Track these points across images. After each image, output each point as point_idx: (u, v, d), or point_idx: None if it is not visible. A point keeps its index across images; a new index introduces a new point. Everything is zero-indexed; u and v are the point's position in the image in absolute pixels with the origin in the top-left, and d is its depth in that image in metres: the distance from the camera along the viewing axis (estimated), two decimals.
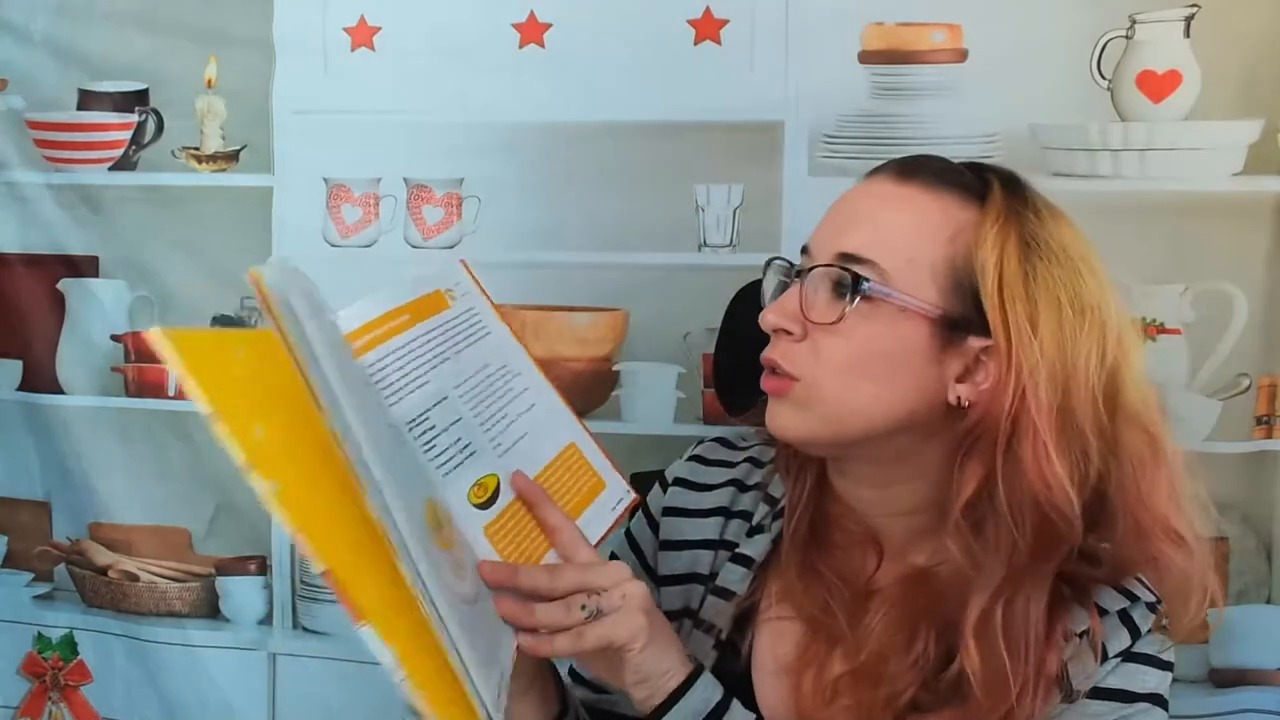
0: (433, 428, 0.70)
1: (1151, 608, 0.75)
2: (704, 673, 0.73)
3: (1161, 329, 1.21)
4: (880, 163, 0.81)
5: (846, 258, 0.74)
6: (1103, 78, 1.20)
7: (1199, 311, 1.20)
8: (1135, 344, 0.76)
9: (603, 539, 0.78)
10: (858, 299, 0.73)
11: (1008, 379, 0.70)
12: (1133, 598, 0.75)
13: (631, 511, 0.86)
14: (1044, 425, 0.70)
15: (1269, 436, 1.22)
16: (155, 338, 0.52)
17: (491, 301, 0.82)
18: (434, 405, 0.71)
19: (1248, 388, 1.20)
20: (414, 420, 0.69)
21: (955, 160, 0.80)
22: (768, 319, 0.77)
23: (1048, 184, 1.19)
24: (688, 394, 1.31)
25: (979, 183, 0.76)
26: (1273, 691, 1.22)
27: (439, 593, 0.57)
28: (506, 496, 0.72)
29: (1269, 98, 1.17)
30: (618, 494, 0.82)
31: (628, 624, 0.68)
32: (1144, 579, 0.76)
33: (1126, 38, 1.19)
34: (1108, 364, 0.73)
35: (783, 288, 0.80)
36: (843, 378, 0.74)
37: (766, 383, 0.78)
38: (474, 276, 0.82)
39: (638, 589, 0.69)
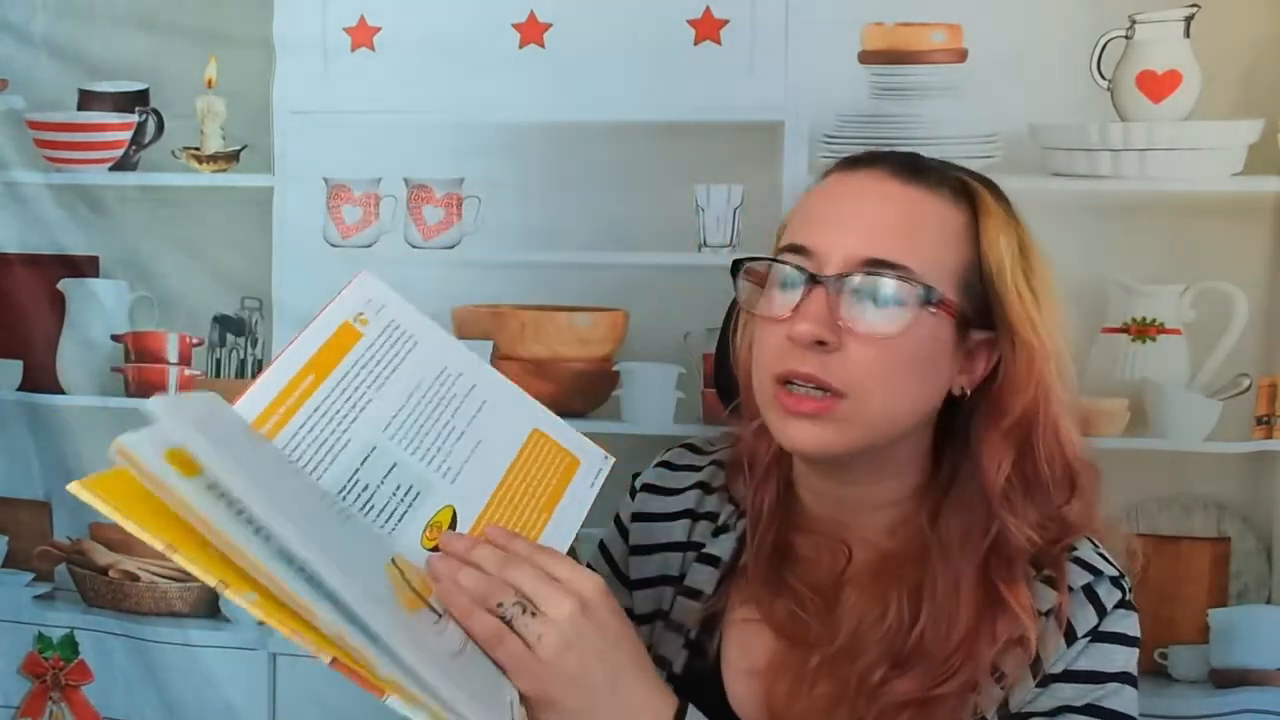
0: (366, 487, 0.66)
1: (1116, 583, 0.77)
2: None
3: (1161, 329, 1.21)
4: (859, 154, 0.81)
5: (881, 264, 0.73)
6: (1103, 78, 1.20)
7: (1199, 311, 1.20)
8: None
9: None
10: (917, 307, 0.72)
11: (1043, 365, 0.76)
12: (1096, 572, 0.76)
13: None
14: (1064, 397, 0.77)
15: (1269, 436, 1.21)
16: (77, 491, 0.53)
17: (405, 303, 0.74)
18: (363, 462, 0.66)
19: (1248, 388, 1.20)
20: (344, 487, 0.65)
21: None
22: (801, 331, 0.72)
23: (1048, 184, 1.21)
24: (688, 394, 1.31)
25: (961, 184, 0.79)
26: (1273, 691, 1.22)
27: (423, 666, 0.55)
28: (465, 526, 0.68)
29: (1269, 98, 1.17)
30: (595, 465, 0.78)
31: (521, 669, 0.63)
32: (1104, 552, 0.78)
33: (1126, 38, 1.19)
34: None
35: (750, 289, 0.80)
36: (888, 384, 0.73)
37: (803, 404, 0.73)
38: (379, 282, 0.73)
39: (559, 637, 0.62)
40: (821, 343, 0.72)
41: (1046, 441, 0.77)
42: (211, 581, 0.54)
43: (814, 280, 0.73)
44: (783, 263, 0.76)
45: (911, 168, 0.78)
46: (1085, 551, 0.78)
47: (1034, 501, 0.77)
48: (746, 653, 0.82)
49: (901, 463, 0.80)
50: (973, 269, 0.75)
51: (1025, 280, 0.76)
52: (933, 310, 0.73)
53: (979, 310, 0.76)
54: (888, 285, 0.72)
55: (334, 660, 0.54)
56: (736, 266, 0.79)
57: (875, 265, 0.73)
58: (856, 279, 0.73)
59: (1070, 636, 0.74)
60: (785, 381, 0.74)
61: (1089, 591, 0.75)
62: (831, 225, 0.76)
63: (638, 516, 0.91)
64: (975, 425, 0.78)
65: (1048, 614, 0.74)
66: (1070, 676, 0.74)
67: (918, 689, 0.73)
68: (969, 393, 0.77)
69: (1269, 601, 1.23)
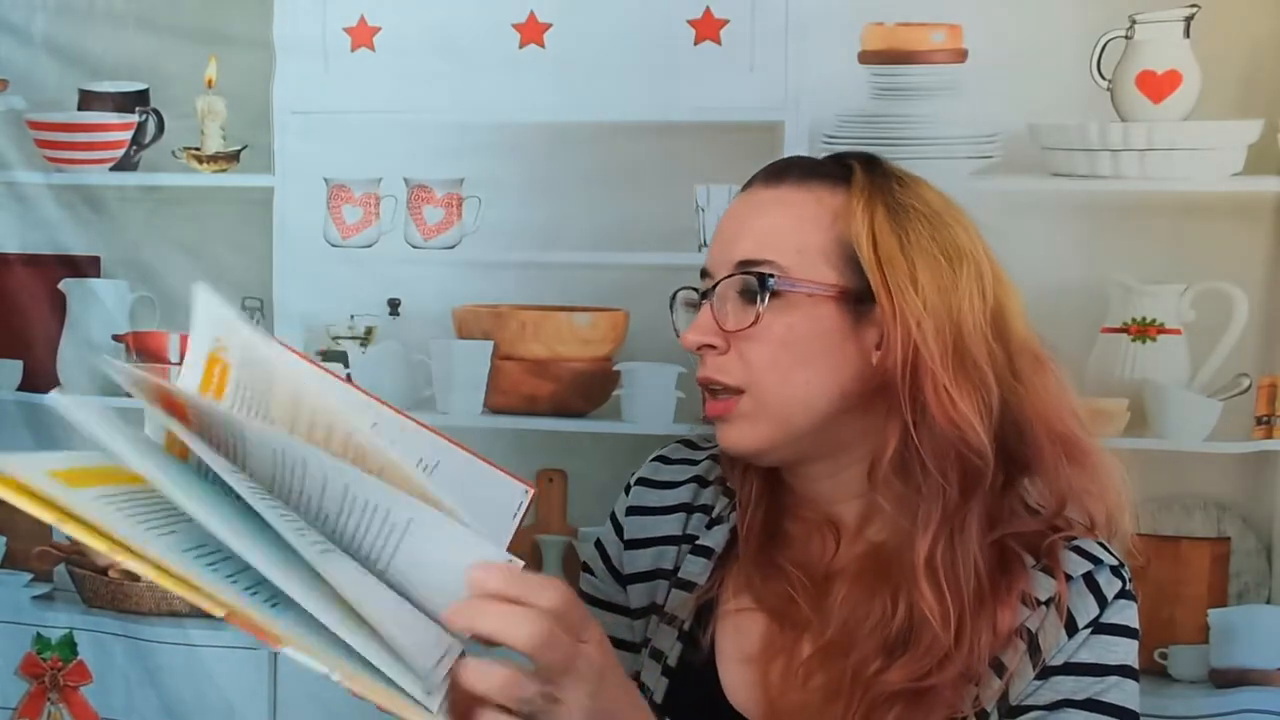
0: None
1: (1116, 572, 0.77)
2: None
3: (1161, 329, 1.21)
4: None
5: (742, 264, 0.78)
6: (1103, 78, 1.20)
7: (1199, 311, 1.20)
8: (1011, 284, 0.80)
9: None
10: (767, 296, 0.76)
11: (896, 336, 0.75)
12: (1095, 560, 0.76)
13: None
14: (940, 372, 0.74)
15: (1269, 436, 1.21)
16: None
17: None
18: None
19: (1248, 388, 1.20)
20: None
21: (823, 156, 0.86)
22: (688, 339, 0.80)
23: (1047, 184, 1.21)
24: (688, 394, 1.31)
25: (842, 169, 0.81)
26: (1273, 692, 1.22)
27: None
28: None
29: (1269, 98, 1.17)
30: (515, 499, 0.75)
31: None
32: (1105, 542, 0.78)
33: (1126, 38, 1.19)
34: (990, 303, 0.77)
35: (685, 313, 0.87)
36: (778, 372, 0.77)
37: (712, 407, 0.81)
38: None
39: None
40: (711, 347, 0.79)
41: (919, 420, 0.74)
42: (103, 549, 0.56)
43: (704, 295, 0.82)
44: (684, 289, 0.87)
45: (781, 170, 0.83)
46: (1085, 541, 0.78)
47: (926, 489, 0.75)
48: (740, 641, 0.82)
49: (852, 449, 0.80)
50: (850, 245, 0.78)
51: (897, 247, 0.76)
52: (806, 293, 0.76)
53: (870, 284, 0.77)
54: (744, 282, 0.78)
55: (229, 614, 0.56)
56: (672, 300, 0.89)
57: (738, 267, 0.78)
58: (720, 285, 0.79)
59: (1071, 627, 0.74)
60: (707, 390, 0.81)
61: (1089, 580, 0.75)
62: (716, 245, 0.83)
63: (632, 510, 0.92)
64: None
65: (1047, 603, 0.74)
66: (1071, 669, 0.74)
67: (906, 678, 0.73)
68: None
69: (1269, 601, 1.23)
